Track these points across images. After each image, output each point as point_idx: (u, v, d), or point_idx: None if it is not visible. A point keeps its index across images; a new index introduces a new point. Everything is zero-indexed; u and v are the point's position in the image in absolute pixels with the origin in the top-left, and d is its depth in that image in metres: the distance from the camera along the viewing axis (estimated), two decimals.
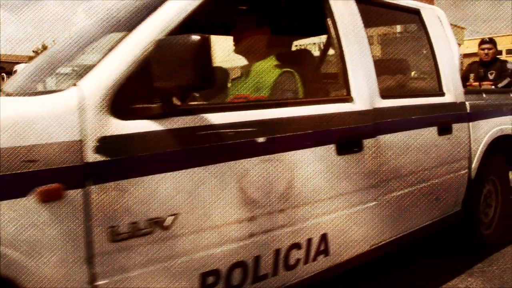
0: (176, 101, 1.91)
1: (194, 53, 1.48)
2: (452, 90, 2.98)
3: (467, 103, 3.08)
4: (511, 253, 3.44)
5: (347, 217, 2.24)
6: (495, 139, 3.31)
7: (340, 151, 2.13)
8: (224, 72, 2.92)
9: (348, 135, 2.20)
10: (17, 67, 5.56)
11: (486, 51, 4.82)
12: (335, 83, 2.36)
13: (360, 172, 2.25)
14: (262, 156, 1.84)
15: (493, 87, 4.60)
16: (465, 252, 3.35)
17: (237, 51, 2.65)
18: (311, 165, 2.02)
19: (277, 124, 1.92)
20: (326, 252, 2.17)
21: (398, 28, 3.43)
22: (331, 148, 2.10)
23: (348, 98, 2.28)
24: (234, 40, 2.65)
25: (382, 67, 3.00)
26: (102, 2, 2.23)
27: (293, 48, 3.33)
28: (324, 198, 2.10)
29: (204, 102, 2.20)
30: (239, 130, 1.80)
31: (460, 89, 3.06)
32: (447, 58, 3.03)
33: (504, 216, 3.58)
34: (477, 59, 5.12)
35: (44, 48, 23.72)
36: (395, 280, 3.01)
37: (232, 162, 1.76)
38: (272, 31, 2.63)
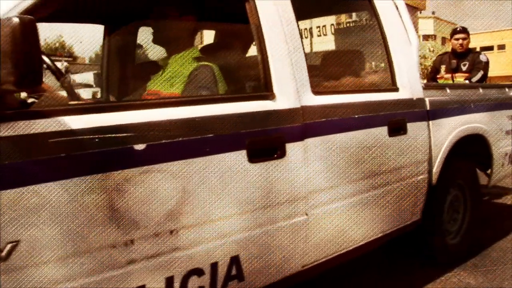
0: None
1: (12, 40, 1.15)
2: (408, 85, 2.64)
3: (426, 99, 2.74)
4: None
5: (267, 235, 1.91)
6: (462, 139, 2.97)
7: (253, 158, 1.81)
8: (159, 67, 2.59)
9: (263, 139, 1.87)
10: None
11: (460, 41, 4.45)
12: (257, 79, 2.03)
13: (282, 182, 1.92)
14: (141, 167, 1.52)
15: (467, 81, 4.26)
16: (428, 264, 3.03)
17: (156, 40, 2.32)
18: (212, 176, 1.69)
19: (165, 127, 1.59)
20: (239, 277, 1.85)
21: (354, 16, 3.08)
22: (240, 154, 1.78)
23: (268, 95, 1.95)
24: (153, 28, 2.32)
25: (325, 60, 2.68)
26: None
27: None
28: (232, 214, 1.77)
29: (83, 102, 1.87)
30: (109, 135, 1.47)
31: (418, 84, 2.72)
32: (403, 49, 2.68)
33: (476, 221, 3.27)
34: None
35: None
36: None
37: (100, 174, 1.44)
38: (197, 20, 2.30)
